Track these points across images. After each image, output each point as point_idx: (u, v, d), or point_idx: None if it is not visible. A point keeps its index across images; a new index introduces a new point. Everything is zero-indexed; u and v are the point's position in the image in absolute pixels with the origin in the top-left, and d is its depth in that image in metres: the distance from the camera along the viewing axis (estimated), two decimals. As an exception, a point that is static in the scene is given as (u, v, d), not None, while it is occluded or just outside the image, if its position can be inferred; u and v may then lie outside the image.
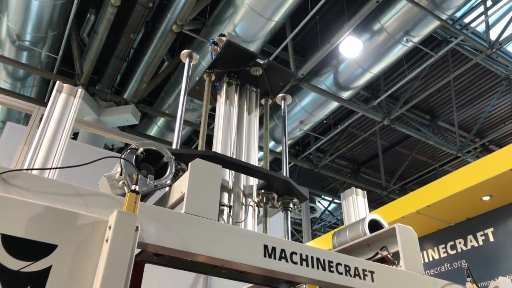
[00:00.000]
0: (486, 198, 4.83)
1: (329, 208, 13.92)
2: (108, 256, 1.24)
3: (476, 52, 8.55)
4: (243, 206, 2.52)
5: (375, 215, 2.54)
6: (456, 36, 7.94)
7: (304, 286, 2.83)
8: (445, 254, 5.32)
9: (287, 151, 2.95)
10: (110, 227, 1.28)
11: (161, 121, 9.15)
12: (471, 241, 5.10)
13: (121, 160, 1.75)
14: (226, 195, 2.44)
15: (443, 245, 5.40)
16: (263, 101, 3.06)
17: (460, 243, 5.20)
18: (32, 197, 1.27)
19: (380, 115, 9.24)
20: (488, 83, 9.70)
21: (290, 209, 2.74)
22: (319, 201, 13.10)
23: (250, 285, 3.17)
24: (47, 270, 1.18)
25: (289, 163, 10.48)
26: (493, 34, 8.12)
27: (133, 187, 1.37)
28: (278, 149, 9.53)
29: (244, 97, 2.93)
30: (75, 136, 8.16)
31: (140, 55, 8.22)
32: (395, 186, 12.03)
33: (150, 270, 2.97)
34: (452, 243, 5.30)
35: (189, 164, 1.69)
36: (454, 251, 5.23)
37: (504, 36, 7.95)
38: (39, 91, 8.35)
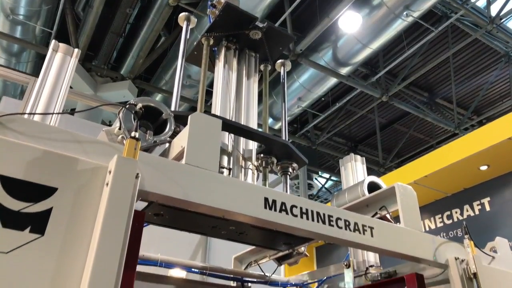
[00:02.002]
0: (484, 167, 4.85)
1: (326, 185, 14.00)
2: (108, 200, 1.23)
3: (476, 28, 8.47)
4: (243, 169, 2.51)
5: (374, 177, 2.55)
6: (456, 11, 7.85)
7: (302, 248, 2.86)
8: (441, 224, 5.37)
9: (286, 116, 2.93)
10: (110, 172, 1.27)
11: (158, 97, 9.09)
12: (467, 211, 5.15)
13: (120, 114, 1.73)
14: (225, 158, 2.43)
15: (440, 215, 5.44)
16: (262, 67, 3.03)
17: (456, 212, 5.25)
18: (30, 142, 1.26)
19: (378, 92, 9.20)
20: (487, 59, 9.65)
21: (289, 173, 2.74)
22: (316, 178, 13.16)
23: (249, 249, 3.20)
24: (47, 212, 1.17)
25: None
26: (494, 9, 8.03)
27: (132, 134, 1.36)
28: (277, 126, 9.52)
29: (243, 62, 2.89)
30: (72, 112, 8.11)
31: (136, 30, 8.10)
32: (392, 163, 12.08)
33: (152, 239, 2.99)
34: (448, 213, 5.35)
35: (189, 117, 1.67)
36: (450, 221, 5.29)
37: (505, 11, 7.87)
38: (34, 67, 8.25)
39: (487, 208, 4.99)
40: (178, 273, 3.03)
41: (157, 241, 3.97)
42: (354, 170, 3.12)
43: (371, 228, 1.89)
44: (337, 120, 11.02)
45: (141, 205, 1.85)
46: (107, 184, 1.26)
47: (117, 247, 1.21)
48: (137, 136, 1.36)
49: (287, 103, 8.85)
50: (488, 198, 4.98)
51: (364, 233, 1.85)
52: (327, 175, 13.56)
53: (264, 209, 1.63)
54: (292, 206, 1.71)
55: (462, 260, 2.04)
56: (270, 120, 9.15)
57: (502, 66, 9.56)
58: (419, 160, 5.44)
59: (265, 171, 2.69)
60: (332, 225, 1.78)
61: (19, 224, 1.12)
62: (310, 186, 11.90)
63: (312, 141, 11.02)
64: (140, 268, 2.71)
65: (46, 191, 1.19)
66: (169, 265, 2.77)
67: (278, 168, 2.73)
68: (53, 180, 1.22)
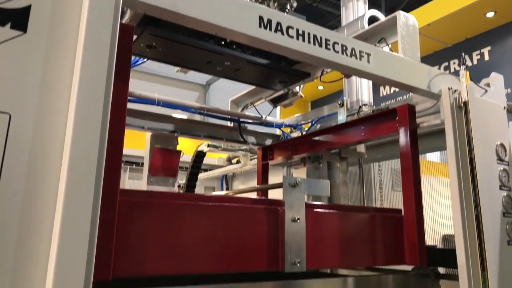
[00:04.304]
0: (490, 14, 4.60)
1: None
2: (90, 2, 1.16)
3: None
4: (237, 3, 2.37)
5: (376, 11, 2.42)
6: None
7: (297, 88, 2.88)
8: (438, 74, 5.34)
9: None
10: (88, -30, 1.17)
11: None
12: (465, 61, 5.07)
13: None
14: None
15: (438, 66, 5.40)
16: None
17: (454, 63, 5.21)
18: None
19: None
20: None
21: (287, 10, 2.61)
22: (315, 40, 12.77)
23: (246, 91, 3.24)
24: (26, 9, 1.11)
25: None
26: None
27: None
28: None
29: None
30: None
31: None
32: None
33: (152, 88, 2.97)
34: (446, 63, 5.30)
35: None
36: (447, 71, 5.28)
37: None
38: None
39: (486, 58, 4.91)
40: (178, 115, 3.10)
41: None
42: (355, 10, 2.96)
43: (368, 54, 1.85)
44: (340, -27, 10.19)
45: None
46: (87, -17, 1.16)
47: (104, 53, 1.19)
48: None
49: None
50: (489, 48, 4.86)
51: (360, 59, 1.82)
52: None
53: (259, 28, 1.57)
54: (288, 27, 1.64)
55: (455, 90, 2.05)
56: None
57: None
58: (423, 8, 5.14)
59: (261, 7, 2.54)
60: (329, 49, 1.73)
61: (-2, 20, 1.06)
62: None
63: (313, -3, 10.36)
64: (138, 106, 2.77)
65: (21, -13, 1.11)
66: (166, 104, 2.82)
67: (276, 4, 2.59)
68: (27, -24, 1.12)
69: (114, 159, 1.25)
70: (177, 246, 1.44)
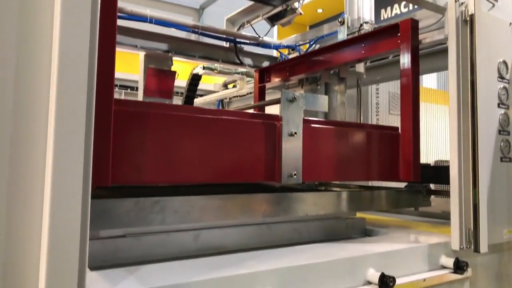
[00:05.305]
0: None
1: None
2: None
3: None
4: None
5: None
6: None
7: (296, 4, 2.75)
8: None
9: None
10: None
11: None
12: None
13: None
14: None
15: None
16: None
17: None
18: None
19: None
20: None
21: None
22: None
23: (242, 8, 3.10)
24: None
25: None
26: None
27: None
28: None
29: None
30: None
31: None
32: None
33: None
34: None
35: None
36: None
37: None
38: None
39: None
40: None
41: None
42: None
43: (373, -40, 1.73)
44: None
45: None
46: None
47: None
48: None
49: None
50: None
51: (364, -35, 1.71)
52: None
53: None
54: None
55: (462, 3, 1.96)
56: None
57: None
58: None
59: None
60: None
61: None
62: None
63: None
64: (130, 24, 2.66)
65: None
66: (160, 22, 2.70)
67: None
68: None
69: (106, 63, 1.20)
70: (175, 156, 1.44)
